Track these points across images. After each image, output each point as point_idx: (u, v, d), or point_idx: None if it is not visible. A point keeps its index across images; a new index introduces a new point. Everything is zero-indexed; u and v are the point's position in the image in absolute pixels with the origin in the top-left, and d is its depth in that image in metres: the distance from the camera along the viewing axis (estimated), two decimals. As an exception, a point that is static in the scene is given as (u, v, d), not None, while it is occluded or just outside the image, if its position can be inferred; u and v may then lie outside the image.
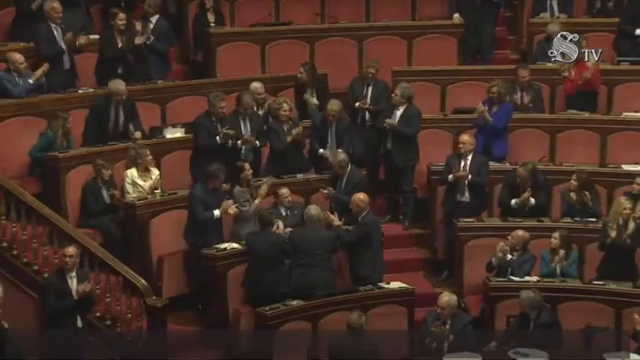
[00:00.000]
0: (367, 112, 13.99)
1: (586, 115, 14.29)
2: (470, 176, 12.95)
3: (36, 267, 11.48)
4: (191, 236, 12.28)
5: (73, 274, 10.82)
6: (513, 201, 12.95)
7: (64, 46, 13.59)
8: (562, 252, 12.16)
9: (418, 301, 12.14)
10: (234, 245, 12.22)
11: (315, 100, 14.20)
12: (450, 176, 12.99)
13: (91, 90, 13.60)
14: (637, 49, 15.03)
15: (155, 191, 12.62)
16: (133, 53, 14.04)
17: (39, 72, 13.10)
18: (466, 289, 12.63)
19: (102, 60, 13.90)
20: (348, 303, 11.72)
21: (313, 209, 12.23)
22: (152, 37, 14.31)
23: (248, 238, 12.10)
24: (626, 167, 13.56)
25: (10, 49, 13.36)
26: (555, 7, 15.80)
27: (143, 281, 11.37)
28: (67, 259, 10.88)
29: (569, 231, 12.34)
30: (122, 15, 14.01)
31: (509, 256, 12.15)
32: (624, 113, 14.36)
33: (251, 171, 12.66)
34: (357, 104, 13.92)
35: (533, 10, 16.04)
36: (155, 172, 12.75)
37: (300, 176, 13.32)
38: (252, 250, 11.99)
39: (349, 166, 12.99)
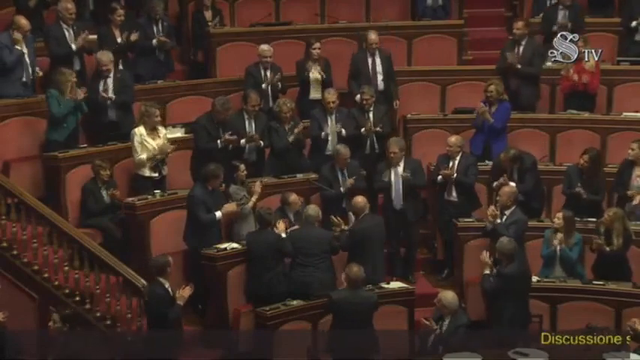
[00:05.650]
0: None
1: (586, 115, 14.31)
2: (455, 175, 12.96)
3: (36, 267, 11.51)
4: (192, 238, 12.26)
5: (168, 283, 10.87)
6: (495, 183, 12.92)
7: (74, 47, 13.51)
8: (559, 235, 12.11)
9: (418, 301, 12.14)
10: (234, 245, 12.21)
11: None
12: (439, 177, 13.04)
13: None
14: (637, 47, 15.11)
15: (161, 154, 12.55)
16: (132, 49, 14.04)
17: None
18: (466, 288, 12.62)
19: None
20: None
21: (311, 209, 12.23)
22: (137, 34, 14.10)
23: (247, 238, 12.11)
24: (625, 167, 13.54)
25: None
26: (555, 7, 15.79)
27: (143, 281, 11.37)
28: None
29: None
30: (121, 11, 14.00)
31: (498, 220, 12.21)
32: (624, 113, 14.38)
33: (245, 172, 12.65)
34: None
35: (533, 10, 16.04)
36: (162, 131, 12.69)
37: (300, 176, 13.32)
38: (250, 249, 12.00)
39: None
